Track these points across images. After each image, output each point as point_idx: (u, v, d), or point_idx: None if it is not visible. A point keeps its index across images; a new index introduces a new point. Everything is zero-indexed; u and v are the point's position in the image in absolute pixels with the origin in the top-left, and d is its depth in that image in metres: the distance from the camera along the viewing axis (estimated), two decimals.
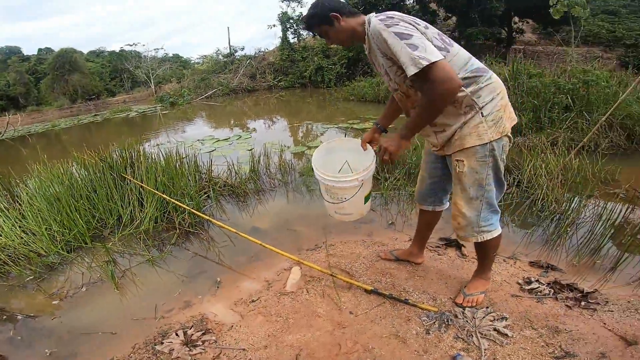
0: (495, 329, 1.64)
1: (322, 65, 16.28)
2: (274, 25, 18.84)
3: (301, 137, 7.08)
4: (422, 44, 1.26)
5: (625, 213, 2.49)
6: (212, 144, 6.46)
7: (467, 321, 1.70)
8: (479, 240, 1.63)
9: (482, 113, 1.42)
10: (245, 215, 3.28)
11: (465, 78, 1.39)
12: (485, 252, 1.76)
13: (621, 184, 3.23)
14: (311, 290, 2.06)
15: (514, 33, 15.98)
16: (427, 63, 1.22)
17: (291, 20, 18.32)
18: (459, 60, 1.41)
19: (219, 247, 2.73)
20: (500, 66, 6.88)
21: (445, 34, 1.76)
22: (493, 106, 1.42)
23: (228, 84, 17.99)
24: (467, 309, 1.77)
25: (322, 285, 2.08)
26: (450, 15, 16.84)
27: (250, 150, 5.44)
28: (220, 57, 22.00)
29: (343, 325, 1.75)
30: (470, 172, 1.50)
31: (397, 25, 1.32)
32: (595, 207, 2.71)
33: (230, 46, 21.46)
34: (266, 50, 20.92)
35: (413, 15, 1.47)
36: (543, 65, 6.94)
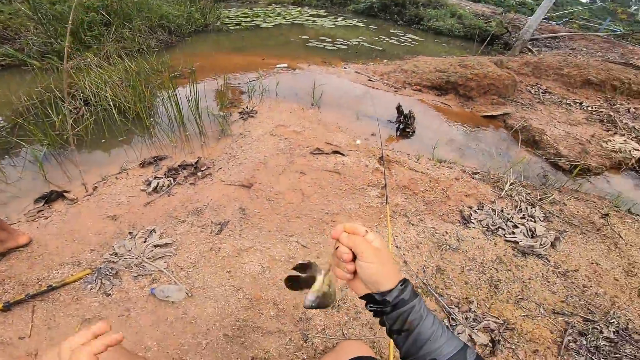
0: (156, 246, 1.71)
1: None
2: None
3: None
4: None
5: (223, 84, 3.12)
6: None
7: (129, 258, 1.65)
8: None
9: None
10: None
11: None
12: None
13: (176, 68, 4.00)
14: None
15: None
16: None
17: None
18: None
19: None
20: (20, 2, 5.48)
21: None
22: None
23: None
24: (118, 247, 1.71)
25: None
26: None
27: None
28: None
29: None
30: None
31: None
32: (162, 93, 3.21)
33: None
34: None
35: None
36: None
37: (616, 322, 1.64)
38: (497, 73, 4.24)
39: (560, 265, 1.94)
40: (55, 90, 2.95)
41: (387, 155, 2.67)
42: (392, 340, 0.57)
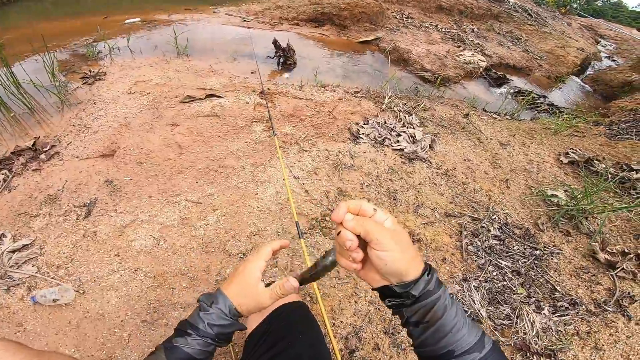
0: (13, 251, 1.36)
1: None
2: None
3: None
4: None
5: None
6: None
7: None
8: None
9: None
10: None
11: None
12: None
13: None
14: None
15: None
16: None
17: None
18: None
19: None
20: None
21: None
22: None
23: None
24: None
25: None
26: None
27: None
28: None
29: None
30: None
31: None
32: None
33: None
34: None
35: None
36: None
37: (497, 218, 1.76)
38: (366, 2, 4.36)
39: (441, 166, 2.10)
40: None
41: (269, 89, 2.50)
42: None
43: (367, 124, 2.36)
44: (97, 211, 1.52)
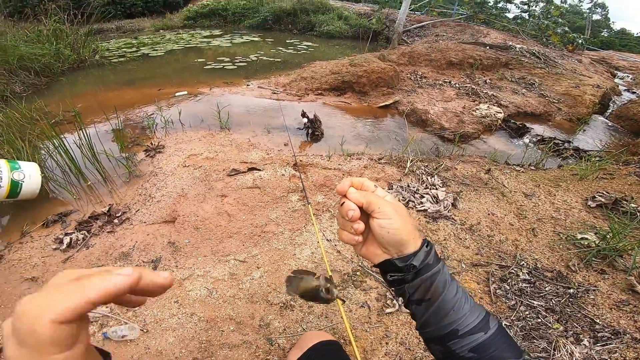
0: None
1: None
2: None
3: None
4: None
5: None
6: None
7: None
8: None
9: None
10: None
11: None
12: None
13: (56, 113, 3.53)
14: None
15: None
16: None
17: None
18: None
19: None
20: None
21: None
22: None
23: None
24: None
25: None
26: None
27: None
28: None
29: None
30: None
31: None
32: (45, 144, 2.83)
33: None
34: None
35: None
36: None
37: (526, 264, 1.84)
38: (381, 67, 4.81)
39: (465, 222, 2.22)
40: None
41: (301, 161, 2.82)
42: (348, 326, 0.58)
43: (392, 189, 2.57)
44: (162, 266, 1.81)
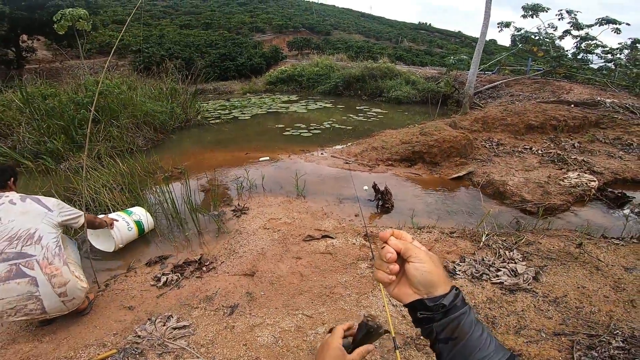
0: (175, 328, 1.94)
1: None
2: None
3: None
4: None
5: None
6: None
7: (151, 339, 1.85)
8: None
9: None
10: None
11: None
12: None
13: (166, 168, 4.39)
14: None
15: (24, 52, 14.74)
16: None
17: None
18: None
19: None
20: (12, 92, 5.77)
21: None
22: None
23: None
24: (140, 330, 1.92)
25: None
26: None
27: None
28: None
29: None
30: None
31: None
32: (158, 196, 3.51)
33: None
34: None
35: None
36: (66, 82, 6.70)
37: (620, 333, 1.77)
38: (453, 135, 4.85)
39: (548, 294, 2.14)
40: (56, 195, 3.05)
41: (372, 231, 2.94)
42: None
43: (464, 262, 2.49)
44: (238, 312, 2.06)
